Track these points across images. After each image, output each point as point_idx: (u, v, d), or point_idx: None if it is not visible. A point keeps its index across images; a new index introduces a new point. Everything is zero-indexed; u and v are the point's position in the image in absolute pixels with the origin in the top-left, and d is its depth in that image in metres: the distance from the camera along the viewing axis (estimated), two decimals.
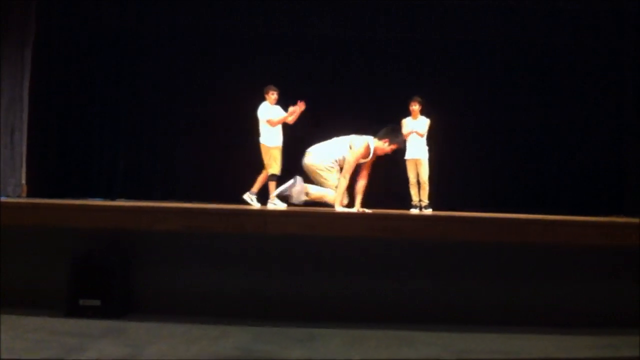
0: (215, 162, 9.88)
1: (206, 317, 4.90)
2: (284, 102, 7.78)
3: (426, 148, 8.09)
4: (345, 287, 5.14)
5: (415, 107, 8.08)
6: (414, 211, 7.94)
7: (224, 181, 9.50)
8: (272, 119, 7.55)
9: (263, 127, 7.60)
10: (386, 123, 6.76)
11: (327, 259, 5.21)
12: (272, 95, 7.73)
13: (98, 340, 4.21)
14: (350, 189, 6.55)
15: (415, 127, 8.06)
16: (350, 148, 6.43)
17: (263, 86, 7.86)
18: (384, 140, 6.46)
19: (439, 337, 4.61)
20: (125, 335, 4.39)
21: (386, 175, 9.29)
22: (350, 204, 6.54)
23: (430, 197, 8.10)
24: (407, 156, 8.11)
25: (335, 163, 6.51)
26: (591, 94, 9.85)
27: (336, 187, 6.38)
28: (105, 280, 4.96)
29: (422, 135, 8.00)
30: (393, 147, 6.53)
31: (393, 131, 6.60)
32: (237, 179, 8.62)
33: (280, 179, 7.29)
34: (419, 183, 8.09)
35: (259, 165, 7.75)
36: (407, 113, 8.23)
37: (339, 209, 6.26)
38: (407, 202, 8.22)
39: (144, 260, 5.20)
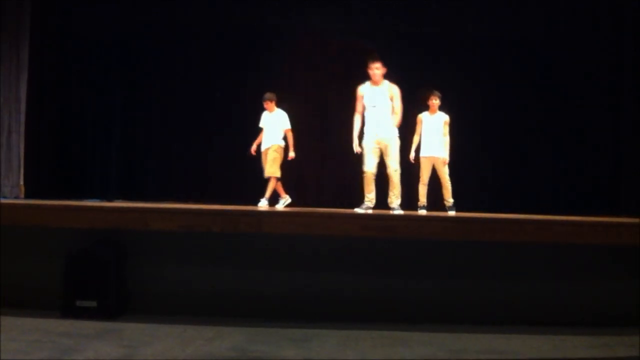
0: (211, 162, 9.87)
1: (201, 318, 4.91)
2: (291, 101, 7.79)
3: (446, 146, 7.61)
4: (340, 287, 5.14)
5: (434, 101, 7.62)
6: (422, 212, 7.42)
7: (220, 181, 9.50)
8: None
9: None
10: None
11: (323, 259, 5.21)
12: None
13: (93, 341, 4.21)
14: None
15: (433, 123, 7.63)
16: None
17: (260, 86, 7.85)
18: None
19: (435, 337, 4.62)
20: (120, 336, 4.39)
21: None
22: None
23: (427, 197, 7.89)
24: (424, 153, 7.59)
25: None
26: (589, 93, 9.84)
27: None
28: (101, 281, 4.98)
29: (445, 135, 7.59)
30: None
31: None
32: (234, 179, 8.63)
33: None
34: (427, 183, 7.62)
35: (256, 166, 7.75)
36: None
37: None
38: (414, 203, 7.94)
39: (140, 261, 5.20)
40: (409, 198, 7.93)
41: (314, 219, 5.16)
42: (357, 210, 6.42)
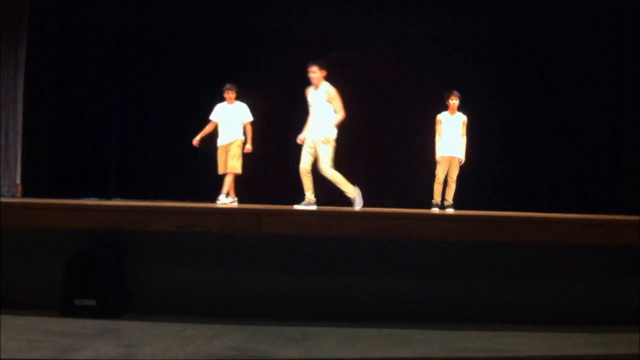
0: (210, 162, 9.86)
1: (201, 317, 4.90)
2: (290, 101, 7.74)
3: (463, 146, 7.70)
4: (339, 286, 5.14)
5: (454, 101, 7.61)
6: (435, 210, 7.50)
7: (219, 181, 9.48)
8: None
9: None
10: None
11: (321, 259, 5.21)
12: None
13: (93, 340, 4.21)
14: None
15: (452, 123, 7.64)
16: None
17: (260, 85, 7.85)
18: None
19: (434, 336, 4.62)
20: (120, 335, 4.39)
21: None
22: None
23: (424, 194, 7.87)
24: (444, 153, 7.63)
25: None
26: (589, 93, 9.86)
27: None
28: (100, 280, 4.97)
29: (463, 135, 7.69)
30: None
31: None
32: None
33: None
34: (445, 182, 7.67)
35: (256, 166, 7.76)
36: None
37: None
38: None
39: (139, 260, 5.20)
40: (409, 195, 7.98)
41: (313, 219, 5.15)
42: (296, 206, 6.45)
